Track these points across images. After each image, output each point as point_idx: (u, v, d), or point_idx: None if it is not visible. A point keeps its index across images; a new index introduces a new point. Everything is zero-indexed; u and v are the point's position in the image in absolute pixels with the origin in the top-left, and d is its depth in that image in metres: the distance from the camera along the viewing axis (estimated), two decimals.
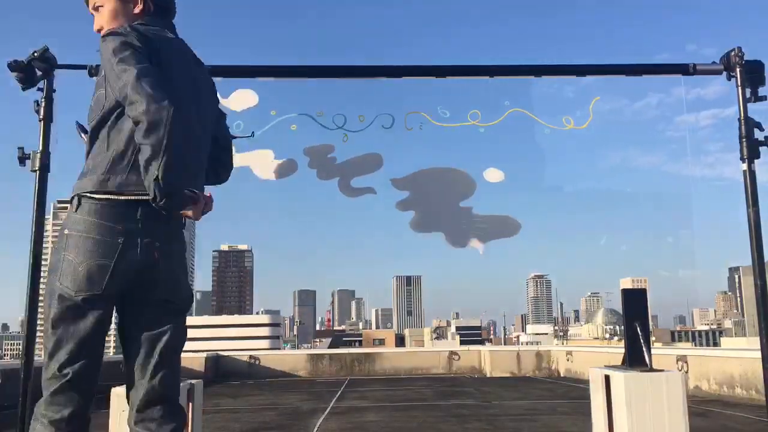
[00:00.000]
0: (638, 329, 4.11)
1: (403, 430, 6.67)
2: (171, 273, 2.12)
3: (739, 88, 3.45)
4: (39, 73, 3.38)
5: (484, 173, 4.11)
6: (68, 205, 2.17)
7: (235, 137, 3.53)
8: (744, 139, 3.38)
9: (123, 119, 2.05)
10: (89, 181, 2.05)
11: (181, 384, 3.89)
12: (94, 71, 3.63)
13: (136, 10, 2.26)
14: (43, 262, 3.41)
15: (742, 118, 3.42)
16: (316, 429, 6.84)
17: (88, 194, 2.03)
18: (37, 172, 3.38)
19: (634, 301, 4.25)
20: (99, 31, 2.26)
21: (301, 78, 3.97)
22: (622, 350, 4.23)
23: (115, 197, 2.02)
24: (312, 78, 3.98)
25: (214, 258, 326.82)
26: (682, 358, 10.66)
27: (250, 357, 16.46)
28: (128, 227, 2.02)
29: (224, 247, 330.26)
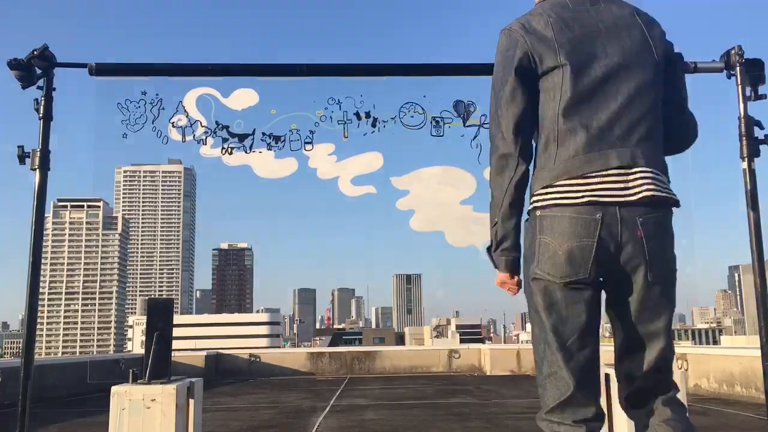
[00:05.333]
0: None
1: (403, 429, 6.68)
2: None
3: (739, 86, 3.45)
4: (39, 71, 3.39)
5: (484, 172, 4.11)
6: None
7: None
8: (744, 138, 3.38)
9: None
10: None
11: (181, 382, 3.91)
12: (93, 70, 3.63)
13: None
14: (42, 260, 3.41)
15: (742, 116, 3.42)
16: (316, 427, 6.85)
17: None
18: (37, 170, 3.38)
19: None
20: None
21: (300, 77, 3.96)
22: None
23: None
24: (311, 77, 3.97)
25: (214, 256, 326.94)
26: (681, 357, 10.67)
27: (250, 355, 16.46)
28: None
29: (224, 246, 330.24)
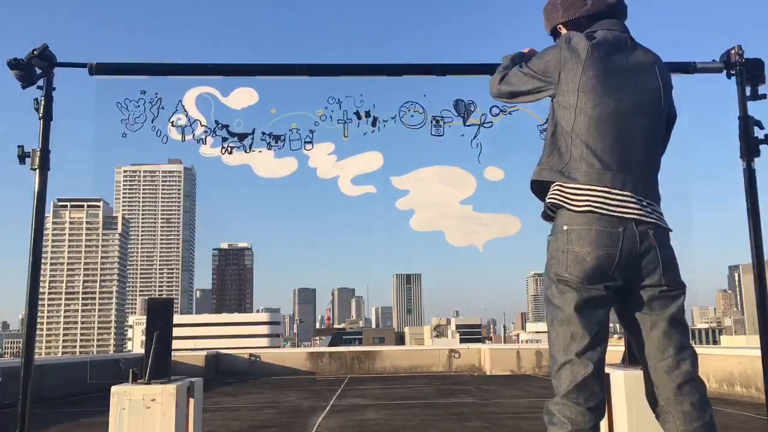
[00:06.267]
0: None
1: (403, 429, 6.67)
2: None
3: (739, 86, 3.45)
4: (39, 71, 3.39)
5: (484, 171, 4.11)
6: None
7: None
8: (744, 137, 3.38)
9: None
10: None
11: (181, 382, 3.91)
12: (93, 69, 3.62)
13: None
14: (42, 260, 3.41)
15: (742, 116, 3.41)
16: (316, 427, 6.84)
17: None
18: (37, 170, 3.38)
19: None
20: None
21: (300, 77, 3.96)
22: (622, 348, 4.23)
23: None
24: (312, 76, 3.97)
25: (214, 256, 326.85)
26: None
27: (250, 355, 16.46)
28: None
29: (224, 245, 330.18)
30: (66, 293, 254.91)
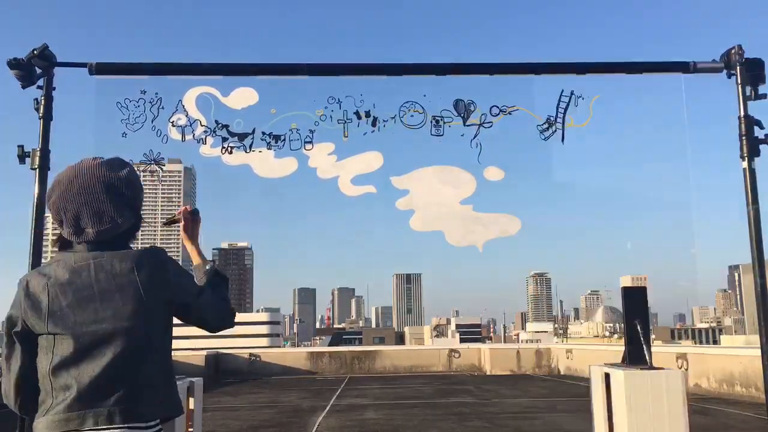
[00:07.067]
0: (638, 327, 4.12)
1: (403, 428, 6.68)
2: None
3: (739, 86, 3.45)
4: (39, 71, 3.38)
5: (484, 171, 4.11)
6: None
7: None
8: (744, 137, 3.38)
9: None
10: None
11: (181, 382, 3.90)
12: (93, 69, 3.63)
13: None
14: (42, 260, 3.41)
15: (742, 116, 3.41)
16: (316, 427, 6.85)
17: None
18: (37, 170, 3.38)
19: (635, 299, 4.25)
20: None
21: (301, 76, 3.95)
22: (623, 348, 4.23)
23: None
24: (312, 76, 3.97)
25: (214, 256, 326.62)
26: (682, 356, 10.66)
27: (250, 355, 16.47)
28: None
29: (224, 245, 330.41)
30: None
